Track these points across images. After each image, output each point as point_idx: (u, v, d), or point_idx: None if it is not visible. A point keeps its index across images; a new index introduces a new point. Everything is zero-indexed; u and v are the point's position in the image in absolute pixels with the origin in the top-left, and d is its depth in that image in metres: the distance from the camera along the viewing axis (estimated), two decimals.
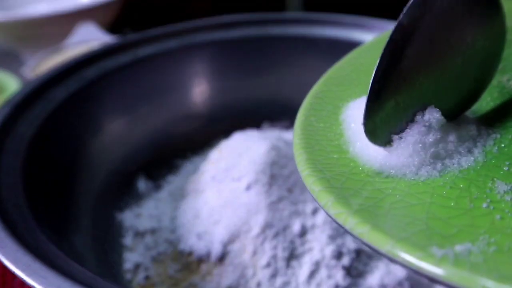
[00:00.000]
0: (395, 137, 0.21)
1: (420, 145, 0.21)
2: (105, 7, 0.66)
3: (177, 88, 0.46)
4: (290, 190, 0.34)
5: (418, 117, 0.21)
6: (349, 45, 0.46)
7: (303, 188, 0.34)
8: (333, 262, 0.31)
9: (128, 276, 0.34)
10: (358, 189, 0.20)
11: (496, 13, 0.22)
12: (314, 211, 0.33)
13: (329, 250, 0.31)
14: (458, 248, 0.16)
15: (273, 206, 0.33)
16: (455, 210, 0.19)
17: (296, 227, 0.32)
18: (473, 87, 0.23)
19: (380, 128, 0.21)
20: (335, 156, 0.22)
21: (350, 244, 0.32)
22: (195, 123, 0.46)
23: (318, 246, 0.32)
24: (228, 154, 0.37)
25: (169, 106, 0.45)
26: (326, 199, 0.19)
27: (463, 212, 0.18)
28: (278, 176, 0.34)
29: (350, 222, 0.18)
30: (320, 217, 0.32)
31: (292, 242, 0.32)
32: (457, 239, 0.17)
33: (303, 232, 0.32)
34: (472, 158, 0.21)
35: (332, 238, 0.32)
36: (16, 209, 0.27)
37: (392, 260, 0.17)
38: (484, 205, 0.19)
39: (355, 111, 0.24)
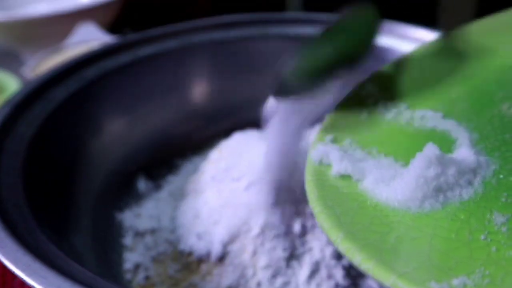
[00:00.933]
0: (399, 170, 0.23)
1: (422, 179, 0.22)
2: (105, 7, 0.66)
3: (177, 88, 0.46)
4: (290, 190, 0.34)
5: (418, 153, 0.23)
6: None
7: (303, 188, 0.34)
8: (333, 262, 0.31)
9: (128, 276, 0.34)
10: (366, 224, 0.21)
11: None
12: None
13: (329, 250, 0.31)
14: (455, 282, 0.18)
15: (273, 206, 0.33)
16: (455, 242, 0.20)
17: (296, 227, 0.32)
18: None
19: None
20: (344, 191, 0.23)
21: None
22: (195, 123, 0.46)
23: (318, 246, 0.32)
24: (228, 154, 0.37)
25: (169, 106, 0.45)
26: (336, 235, 0.21)
27: (462, 244, 0.20)
28: None
29: (357, 258, 0.19)
30: None
31: (292, 242, 0.32)
32: (455, 272, 0.18)
33: (303, 232, 0.32)
34: (472, 190, 0.22)
35: None
36: (16, 209, 0.27)
37: None
38: (482, 237, 0.20)
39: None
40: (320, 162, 0.25)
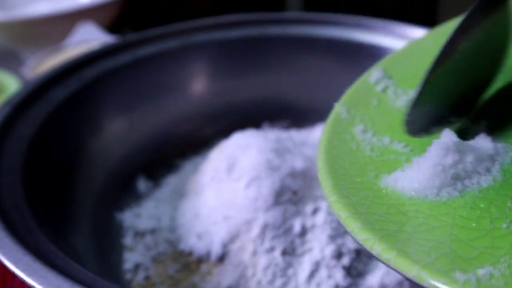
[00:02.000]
0: (414, 159, 0.22)
1: (440, 167, 0.21)
2: (105, 7, 0.66)
3: (177, 88, 0.46)
4: (290, 190, 0.34)
5: (435, 140, 0.22)
6: (349, 45, 0.46)
7: (303, 188, 0.34)
8: (333, 262, 0.31)
9: (128, 276, 0.34)
10: (383, 214, 0.21)
11: (501, 11, 0.24)
12: (314, 211, 0.33)
13: (329, 250, 0.31)
14: (480, 272, 0.17)
15: (273, 206, 0.33)
16: (476, 232, 0.19)
17: (296, 227, 0.32)
18: (482, 78, 0.25)
19: (416, 121, 0.24)
20: (358, 179, 0.23)
21: (350, 244, 0.32)
22: (195, 123, 0.46)
23: (318, 246, 0.32)
24: (228, 154, 0.37)
25: (169, 106, 0.45)
26: (353, 225, 0.20)
27: (484, 234, 0.19)
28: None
29: (377, 248, 0.19)
30: (320, 217, 0.32)
31: (292, 242, 0.32)
32: (479, 262, 0.18)
33: (303, 232, 0.32)
34: (490, 177, 0.22)
35: (332, 238, 0.32)
36: (16, 209, 0.27)
37: (418, 284, 0.18)
38: (504, 225, 0.19)
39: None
40: (333, 147, 0.25)
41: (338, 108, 0.28)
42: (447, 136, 0.22)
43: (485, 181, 0.22)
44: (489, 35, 0.24)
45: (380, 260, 0.19)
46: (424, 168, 0.22)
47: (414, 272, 0.17)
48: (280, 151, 0.36)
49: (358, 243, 0.20)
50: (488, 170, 0.22)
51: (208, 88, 0.47)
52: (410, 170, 0.22)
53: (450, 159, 0.21)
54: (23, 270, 0.23)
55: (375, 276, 0.31)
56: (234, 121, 0.46)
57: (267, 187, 0.33)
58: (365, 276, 0.32)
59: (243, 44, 0.47)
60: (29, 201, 0.29)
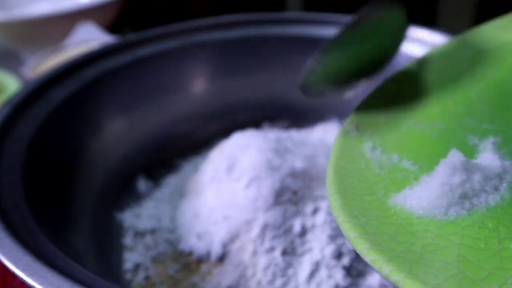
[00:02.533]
0: (422, 178, 0.23)
1: (448, 186, 0.22)
2: (105, 7, 0.66)
3: (177, 88, 0.46)
4: (290, 190, 0.34)
5: (442, 160, 0.22)
6: None
7: (303, 188, 0.34)
8: (333, 262, 0.31)
9: (128, 276, 0.34)
10: (392, 234, 0.21)
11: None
12: (314, 211, 0.33)
13: (329, 250, 0.31)
14: None
15: (273, 206, 0.33)
16: (484, 252, 0.19)
17: (296, 227, 0.32)
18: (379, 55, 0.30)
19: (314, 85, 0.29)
20: (368, 198, 0.23)
21: (350, 244, 0.32)
22: (195, 123, 0.46)
23: (318, 246, 0.32)
24: (228, 154, 0.37)
25: (169, 106, 0.45)
26: (362, 246, 0.20)
27: (492, 254, 0.19)
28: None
29: (386, 269, 0.19)
30: (320, 217, 0.32)
31: (292, 242, 0.32)
32: (486, 283, 0.18)
33: (303, 232, 0.32)
34: (498, 196, 0.22)
35: (332, 238, 0.32)
36: (16, 209, 0.27)
37: None
38: None
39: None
40: (342, 167, 0.25)
41: (347, 126, 0.28)
42: (454, 155, 0.22)
43: (493, 199, 0.22)
44: (385, 22, 0.30)
45: (388, 281, 0.19)
46: (432, 187, 0.22)
47: None
48: (280, 151, 0.36)
49: (368, 263, 0.20)
50: (496, 189, 0.22)
51: (208, 88, 0.47)
52: (419, 188, 0.22)
53: (457, 178, 0.21)
54: (23, 270, 0.23)
55: (375, 276, 0.31)
56: (234, 121, 0.46)
57: (267, 187, 0.33)
58: (365, 276, 0.32)
59: (243, 44, 0.47)
60: (29, 201, 0.29)
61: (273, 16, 0.49)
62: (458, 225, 0.21)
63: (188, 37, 0.46)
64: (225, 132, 0.42)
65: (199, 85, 0.47)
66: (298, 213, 0.33)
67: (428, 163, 0.24)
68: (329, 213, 0.32)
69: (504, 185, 0.22)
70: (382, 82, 0.31)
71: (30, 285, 0.22)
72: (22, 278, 0.22)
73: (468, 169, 0.22)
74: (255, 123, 0.46)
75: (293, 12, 0.89)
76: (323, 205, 0.33)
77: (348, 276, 0.31)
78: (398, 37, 0.31)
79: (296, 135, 0.41)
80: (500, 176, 0.22)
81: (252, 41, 0.47)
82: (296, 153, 0.36)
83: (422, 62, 0.32)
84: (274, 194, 0.33)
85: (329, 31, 0.47)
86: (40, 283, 0.22)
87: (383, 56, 0.30)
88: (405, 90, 0.30)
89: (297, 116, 0.47)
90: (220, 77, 0.47)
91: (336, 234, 0.32)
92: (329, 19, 0.47)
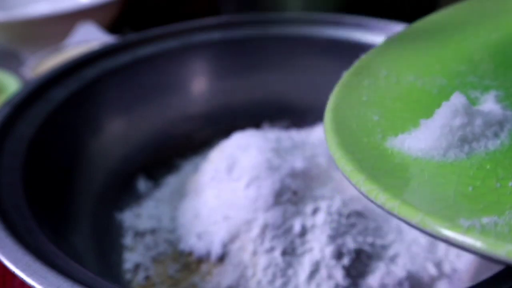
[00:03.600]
0: (422, 120, 0.22)
1: (448, 128, 0.21)
2: (105, 7, 0.66)
3: (177, 88, 0.46)
4: (290, 190, 0.34)
5: (444, 102, 0.22)
6: (349, 45, 0.46)
7: (303, 188, 0.34)
8: (333, 262, 0.31)
9: (128, 276, 0.34)
10: (388, 170, 0.21)
11: None
12: (314, 211, 0.33)
13: (329, 250, 0.31)
14: (485, 220, 0.17)
15: (273, 206, 0.33)
16: (482, 189, 0.19)
17: (296, 227, 0.32)
18: None
19: None
20: (364, 140, 0.23)
21: (350, 244, 0.32)
22: (195, 123, 0.46)
23: (318, 246, 0.32)
24: (228, 154, 0.37)
25: (169, 106, 0.45)
26: (357, 177, 0.20)
27: (489, 190, 0.19)
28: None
29: (381, 197, 0.19)
30: (320, 217, 0.32)
31: (292, 242, 0.32)
32: (484, 213, 0.18)
33: (303, 232, 0.32)
34: (498, 141, 0.22)
35: (332, 238, 0.32)
36: (16, 209, 0.27)
37: (422, 230, 0.18)
38: (511, 183, 0.19)
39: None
40: (340, 110, 0.25)
41: (347, 77, 0.28)
42: (457, 98, 0.22)
43: (493, 145, 0.22)
44: None
45: (384, 209, 0.19)
46: (432, 129, 0.22)
47: (418, 218, 0.18)
48: (280, 151, 0.36)
49: (363, 194, 0.20)
50: (496, 135, 0.22)
51: (208, 88, 0.47)
52: (418, 132, 0.22)
53: (458, 121, 0.21)
54: (23, 270, 0.23)
55: (375, 276, 0.31)
56: (234, 121, 0.46)
57: (267, 187, 0.33)
58: (365, 276, 0.31)
59: (243, 44, 0.47)
60: (29, 201, 0.29)
61: (273, 16, 0.49)
62: (456, 166, 0.21)
63: (188, 37, 0.46)
64: (225, 132, 0.42)
65: (199, 85, 0.47)
66: (298, 213, 0.33)
67: (426, 113, 0.24)
68: (329, 213, 0.32)
69: (504, 132, 0.22)
70: (386, 39, 0.30)
71: (30, 285, 0.22)
72: (22, 278, 0.22)
73: (469, 113, 0.22)
74: (255, 123, 0.46)
75: (293, 12, 0.89)
76: (323, 205, 0.33)
77: (348, 276, 0.31)
78: None
79: (296, 135, 0.41)
80: (500, 123, 0.22)
81: (252, 41, 0.47)
82: (296, 153, 0.36)
83: (426, 22, 0.31)
84: (274, 194, 0.33)
85: (329, 31, 0.47)
86: (40, 283, 0.22)
87: None
88: (408, 49, 0.30)
89: (297, 116, 0.47)
90: (220, 77, 0.47)
91: (336, 234, 0.32)
92: (329, 19, 0.47)
